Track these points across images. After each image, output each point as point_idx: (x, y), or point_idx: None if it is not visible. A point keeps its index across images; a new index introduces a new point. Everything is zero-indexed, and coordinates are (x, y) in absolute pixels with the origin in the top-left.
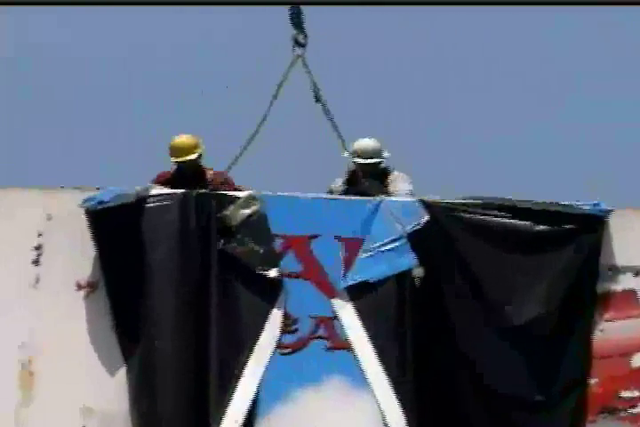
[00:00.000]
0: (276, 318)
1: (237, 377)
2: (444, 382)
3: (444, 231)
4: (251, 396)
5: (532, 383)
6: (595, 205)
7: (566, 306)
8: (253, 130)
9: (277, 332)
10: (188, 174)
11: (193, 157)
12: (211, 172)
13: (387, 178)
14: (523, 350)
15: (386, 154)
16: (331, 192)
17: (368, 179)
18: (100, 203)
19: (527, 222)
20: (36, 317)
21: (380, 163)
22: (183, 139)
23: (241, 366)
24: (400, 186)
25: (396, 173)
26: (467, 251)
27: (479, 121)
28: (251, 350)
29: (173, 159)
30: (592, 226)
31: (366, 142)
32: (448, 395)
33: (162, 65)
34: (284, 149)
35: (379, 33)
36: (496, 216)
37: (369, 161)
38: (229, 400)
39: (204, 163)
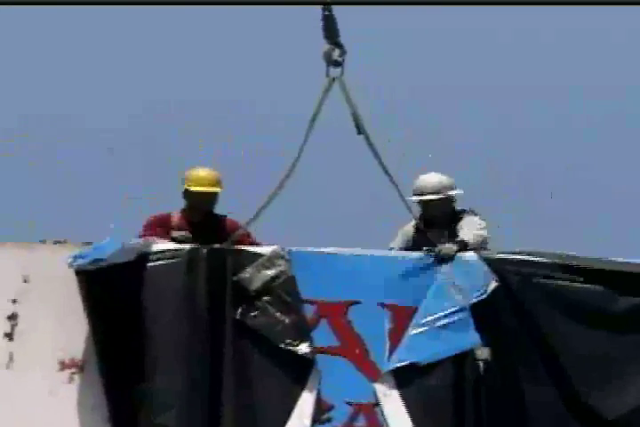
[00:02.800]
0: (305, 404)
1: None
2: None
3: (516, 302)
4: None
5: None
6: None
7: None
8: (282, 173)
9: (308, 423)
10: (205, 216)
11: (220, 190)
12: (227, 220)
13: (458, 222)
14: None
15: (457, 191)
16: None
17: (432, 229)
18: (95, 261)
19: (622, 291)
20: (9, 404)
21: (445, 200)
22: (210, 170)
23: None
24: (466, 232)
25: (469, 216)
26: (546, 327)
27: None
28: None
29: (202, 188)
30: None
31: (428, 176)
32: None
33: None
34: (318, 196)
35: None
36: (584, 282)
37: (428, 197)
38: None
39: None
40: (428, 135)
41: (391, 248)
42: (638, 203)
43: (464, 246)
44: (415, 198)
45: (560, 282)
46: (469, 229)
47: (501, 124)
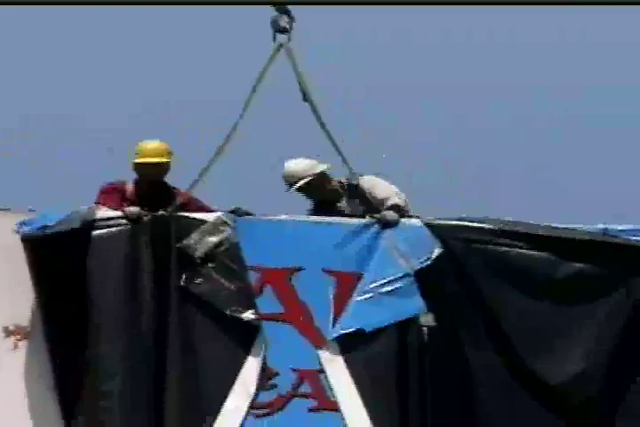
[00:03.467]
0: (250, 371)
1: None
2: None
3: (460, 268)
4: None
5: None
6: None
7: (613, 362)
8: (223, 138)
9: (252, 389)
10: (155, 186)
11: (168, 159)
12: (175, 190)
13: (356, 190)
14: (556, 416)
15: (322, 166)
16: None
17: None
18: (42, 228)
19: (565, 257)
20: None
21: (319, 177)
22: (156, 142)
23: None
24: (381, 191)
25: (365, 177)
26: (489, 294)
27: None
28: (216, 414)
29: (145, 159)
30: None
31: (287, 166)
32: None
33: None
34: (263, 162)
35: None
36: (528, 249)
37: (300, 183)
38: None
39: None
40: (384, 135)
41: None
42: (597, 202)
43: (399, 210)
44: (292, 190)
45: (502, 248)
46: (387, 193)
47: (457, 123)
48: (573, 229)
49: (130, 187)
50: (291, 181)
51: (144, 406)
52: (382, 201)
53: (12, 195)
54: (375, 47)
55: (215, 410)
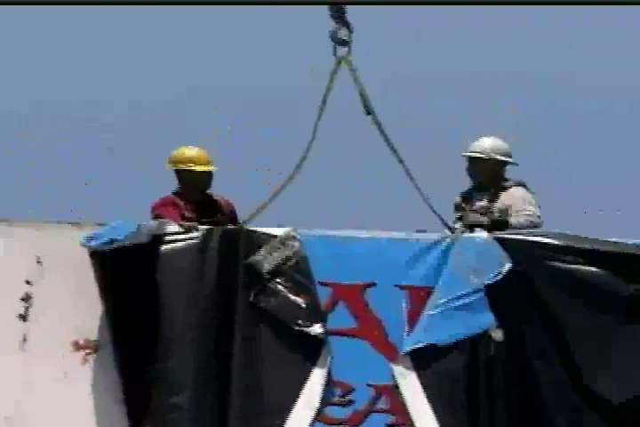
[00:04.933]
0: (315, 385)
1: None
2: None
3: (528, 284)
4: None
5: None
6: None
7: None
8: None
9: (316, 403)
10: (204, 195)
11: (214, 168)
12: (221, 199)
13: (504, 191)
14: None
15: (505, 158)
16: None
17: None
18: (110, 242)
19: (631, 275)
20: (23, 385)
21: (487, 162)
22: (198, 148)
23: None
24: (518, 206)
25: (516, 189)
26: (555, 310)
27: None
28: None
29: (204, 168)
30: None
31: (484, 138)
32: None
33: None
34: (329, 179)
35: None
36: (594, 265)
37: (470, 154)
38: None
39: None
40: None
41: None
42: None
43: (498, 224)
44: (463, 154)
45: (569, 265)
46: (518, 201)
47: None
48: (635, 245)
49: (177, 200)
50: (473, 149)
51: (210, 419)
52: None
53: (11, 195)
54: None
55: (279, 424)
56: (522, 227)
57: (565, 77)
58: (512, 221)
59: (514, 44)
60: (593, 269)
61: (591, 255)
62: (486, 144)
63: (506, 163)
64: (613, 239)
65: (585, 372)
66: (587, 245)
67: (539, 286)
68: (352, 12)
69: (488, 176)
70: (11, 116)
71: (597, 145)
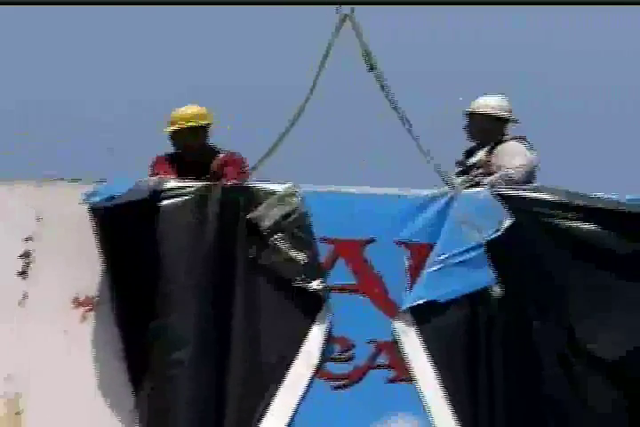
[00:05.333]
0: (314, 341)
1: (260, 417)
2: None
3: (526, 240)
4: None
5: None
6: None
7: None
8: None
9: (315, 359)
10: (200, 153)
11: (208, 122)
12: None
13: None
14: (612, 389)
15: (504, 114)
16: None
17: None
18: (110, 199)
19: (629, 233)
20: (23, 343)
21: (486, 118)
22: (192, 107)
23: (264, 404)
24: (504, 160)
25: (510, 143)
26: (553, 267)
27: None
28: (279, 383)
29: (184, 124)
30: None
31: (488, 97)
32: None
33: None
34: (329, 133)
35: None
36: (593, 223)
37: (477, 110)
38: None
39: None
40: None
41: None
42: None
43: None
44: (467, 110)
45: (568, 222)
46: (507, 156)
47: None
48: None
49: (170, 160)
50: (474, 105)
51: (211, 374)
52: (500, 167)
53: None
54: None
55: (278, 379)
56: (493, 185)
57: (541, 77)
58: (489, 178)
59: (490, 44)
60: (591, 226)
61: (589, 213)
62: (485, 101)
63: (503, 119)
64: (612, 195)
65: (582, 329)
66: (585, 202)
67: (537, 242)
68: None
69: (484, 132)
70: (10, 115)
71: (573, 145)
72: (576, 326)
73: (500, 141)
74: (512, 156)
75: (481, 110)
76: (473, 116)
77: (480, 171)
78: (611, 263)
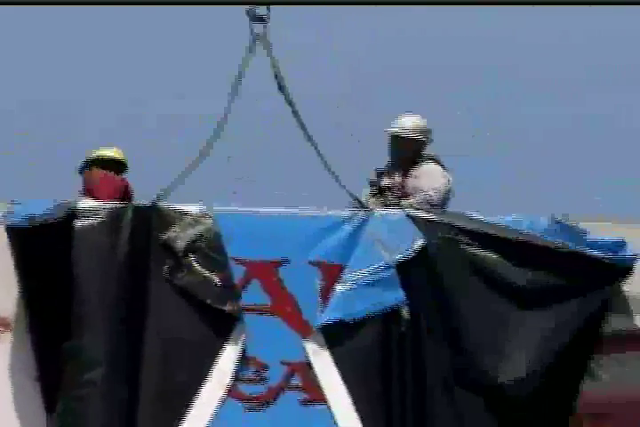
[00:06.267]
0: (227, 361)
1: None
2: None
3: (432, 263)
4: None
5: None
6: (616, 246)
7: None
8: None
9: (227, 380)
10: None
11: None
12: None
13: (416, 166)
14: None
15: (424, 137)
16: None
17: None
18: (27, 219)
19: (530, 264)
20: None
21: (415, 141)
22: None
23: (176, 423)
24: (422, 182)
25: (428, 164)
26: (453, 291)
27: None
28: (189, 406)
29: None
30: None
31: (407, 117)
32: None
33: None
34: (242, 155)
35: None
36: (495, 252)
37: (395, 132)
38: None
39: None
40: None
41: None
42: None
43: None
44: (391, 131)
45: (471, 249)
46: (427, 178)
47: None
48: (541, 237)
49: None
50: (399, 127)
51: (122, 395)
52: (416, 189)
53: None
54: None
55: (190, 398)
56: (414, 207)
57: (510, 70)
58: (408, 201)
59: (458, 38)
60: (492, 254)
61: (492, 240)
62: (408, 122)
63: (425, 142)
64: (510, 219)
65: (473, 353)
66: (486, 230)
67: (440, 266)
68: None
69: (408, 154)
70: (11, 115)
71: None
72: (469, 349)
73: (415, 162)
74: (430, 178)
75: (402, 133)
76: (395, 138)
77: (395, 193)
78: (509, 292)
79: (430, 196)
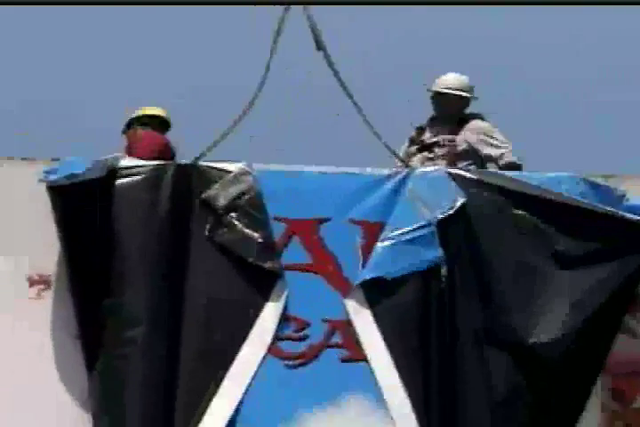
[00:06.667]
0: (268, 319)
1: (210, 395)
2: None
3: (472, 222)
4: (223, 418)
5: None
6: None
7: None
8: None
9: (268, 338)
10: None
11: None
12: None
13: (465, 123)
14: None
15: (468, 94)
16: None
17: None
18: (69, 177)
19: (566, 226)
20: None
21: (460, 98)
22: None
23: (217, 381)
24: (494, 146)
25: (474, 121)
26: (491, 251)
27: None
28: (229, 364)
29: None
30: None
31: (452, 75)
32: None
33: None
34: (283, 114)
35: None
36: (535, 214)
37: (444, 90)
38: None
39: None
40: None
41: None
42: None
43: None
44: (435, 89)
45: (515, 210)
46: (470, 133)
47: None
48: (580, 199)
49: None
50: (441, 84)
51: (162, 353)
52: (495, 159)
53: None
54: None
55: (231, 356)
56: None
57: (518, 70)
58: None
59: (467, 37)
60: (531, 213)
61: (531, 200)
62: (452, 80)
63: (469, 98)
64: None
65: (506, 312)
66: (528, 190)
67: (479, 225)
68: None
69: (453, 111)
70: (10, 115)
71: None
72: (499, 307)
73: (463, 119)
74: (493, 132)
75: (447, 90)
76: (438, 95)
77: (445, 147)
78: (547, 252)
79: (509, 150)
